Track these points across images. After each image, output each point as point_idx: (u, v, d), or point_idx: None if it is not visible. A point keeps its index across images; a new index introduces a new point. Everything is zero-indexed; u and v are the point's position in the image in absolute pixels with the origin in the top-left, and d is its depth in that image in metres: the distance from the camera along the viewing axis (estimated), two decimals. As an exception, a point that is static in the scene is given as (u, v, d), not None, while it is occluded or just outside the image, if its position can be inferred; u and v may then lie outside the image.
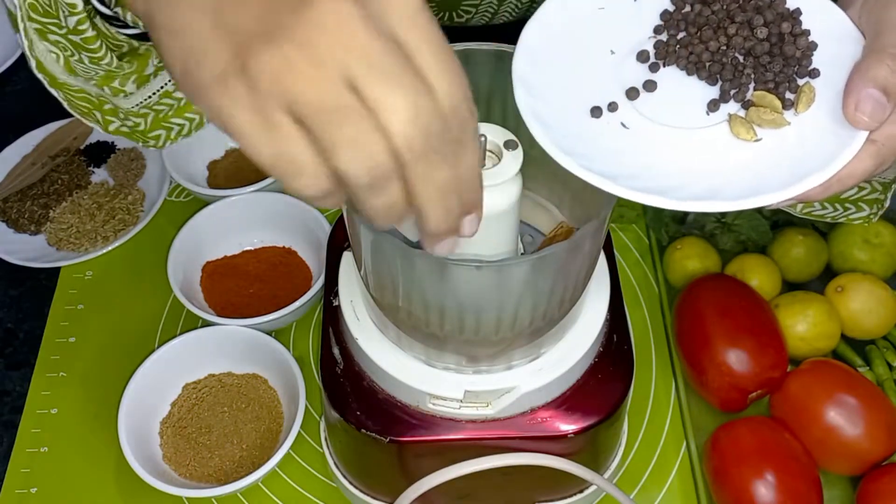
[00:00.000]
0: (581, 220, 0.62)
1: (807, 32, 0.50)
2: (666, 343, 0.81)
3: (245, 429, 0.75)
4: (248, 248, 0.87)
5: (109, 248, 0.88)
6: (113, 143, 0.96)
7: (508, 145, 0.52)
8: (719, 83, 0.50)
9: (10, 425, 0.78)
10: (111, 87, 0.64)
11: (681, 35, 0.52)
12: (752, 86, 0.50)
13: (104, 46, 0.60)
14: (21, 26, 0.58)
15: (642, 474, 0.74)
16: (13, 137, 0.95)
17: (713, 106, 0.50)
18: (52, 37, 0.58)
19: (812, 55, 0.50)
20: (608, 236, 0.66)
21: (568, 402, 0.61)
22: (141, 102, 0.67)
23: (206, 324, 0.79)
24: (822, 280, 0.81)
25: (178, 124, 0.70)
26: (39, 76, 0.61)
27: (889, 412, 0.70)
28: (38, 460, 0.76)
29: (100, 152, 0.96)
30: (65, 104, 0.65)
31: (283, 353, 0.75)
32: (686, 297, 0.77)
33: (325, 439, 0.73)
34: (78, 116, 0.66)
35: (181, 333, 0.78)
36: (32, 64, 0.60)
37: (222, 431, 0.75)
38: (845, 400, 0.69)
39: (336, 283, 0.64)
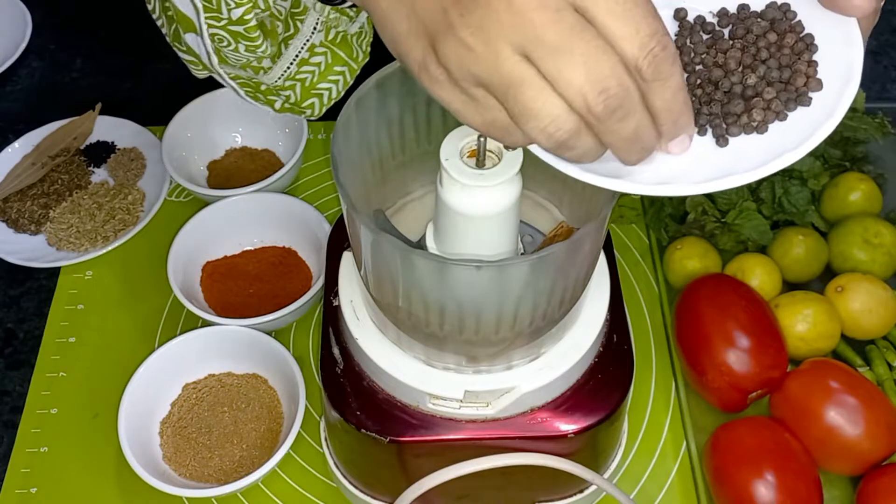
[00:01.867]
0: (581, 220, 0.62)
1: (766, 118, 0.47)
2: (666, 343, 0.81)
3: (245, 429, 0.75)
4: (248, 248, 0.87)
5: (109, 248, 0.88)
6: (113, 143, 0.96)
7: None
8: None
9: (10, 425, 0.78)
10: (251, 67, 0.69)
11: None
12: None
13: (261, 35, 0.64)
14: (203, 28, 0.63)
15: (642, 474, 0.74)
16: (13, 137, 0.95)
17: None
18: (210, 30, 0.64)
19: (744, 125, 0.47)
20: (608, 236, 0.66)
21: (568, 402, 0.61)
22: (282, 75, 0.72)
23: (206, 324, 0.79)
24: (822, 280, 0.81)
25: (326, 88, 0.74)
26: (221, 70, 0.68)
27: (889, 412, 0.70)
28: (38, 460, 0.76)
29: (100, 152, 0.96)
30: (240, 93, 0.72)
31: (283, 353, 0.75)
32: (686, 297, 0.77)
33: (325, 439, 0.73)
34: (251, 102, 0.73)
35: (181, 333, 0.78)
36: (215, 60, 0.66)
37: (222, 431, 0.75)
38: (845, 400, 0.69)
39: (336, 283, 0.64)
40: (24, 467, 0.76)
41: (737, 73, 0.48)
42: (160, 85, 1.05)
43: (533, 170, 0.52)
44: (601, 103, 0.40)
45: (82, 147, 0.96)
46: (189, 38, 0.67)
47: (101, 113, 0.97)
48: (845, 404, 0.69)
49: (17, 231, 0.90)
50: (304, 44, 0.70)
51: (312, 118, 0.76)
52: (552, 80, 0.40)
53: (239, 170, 0.93)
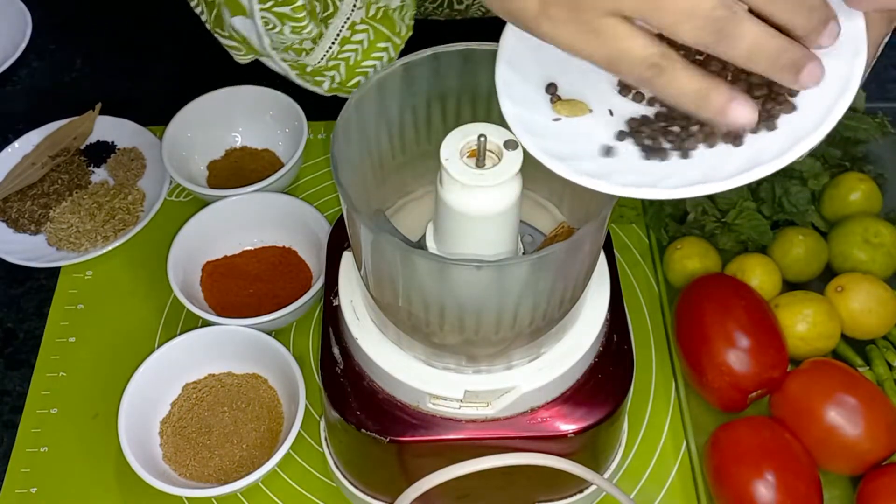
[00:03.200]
0: (581, 220, 0.62)
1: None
2: (666, 343, 0.81)
3: (245, 429, 0.75)
4: (248, 248, 0.87)
5: (109, 248, 0.88)
6: (113, 143, 0.96)
7: (508, 145, 0.52)
8: None
9: (10, 425, 0.78)
10: (294, 50, 0.70)
11: None
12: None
13: (308, 16, 0.66)
14: (255, 9, 0.66)
15: (642, 474, 0.74)
16: (13, 137, 0.95)
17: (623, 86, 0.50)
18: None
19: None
20: (608, 236, 0.66)
21: (568, 402, 0.61)
22: (324, 56, 0.73)
23: (206, 324, 0.79)
24: (822, 280, 0.81)
25: (371, 66, 0.75)
26: (273, 52, 0.70)
27: (889, 412, 0.70)
28: (38, 460, 0.76)
29: (100, 152, 0.96)
30: (292, 75, 0.73)
31: (283, 353, 0.75)
32: (686, 297, 0.77)
33: (325, 439, 0.73)
34: (300, 83, 0.75)
35: (181, 333, 0.78)
36: (267, 42, 0.68)
37: (222, 431, 0.75)
38: (845, 400, 0.69)
39: (336, 283, 0.64)
40: (24, 467, 0.76)
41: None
42: (160, 85, 1.05)
43: (533, 170, 0.52)
44: None
45: (82, 147, 0.96)
46: (237, 21, 0.67)
47: (101, 113, 0.97)
48: (845, 404, 0.69)
49: (17, 231, 0.90)
50: (345, 22, 0.70)
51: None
52: None
53: (239, 170, 0.93)
